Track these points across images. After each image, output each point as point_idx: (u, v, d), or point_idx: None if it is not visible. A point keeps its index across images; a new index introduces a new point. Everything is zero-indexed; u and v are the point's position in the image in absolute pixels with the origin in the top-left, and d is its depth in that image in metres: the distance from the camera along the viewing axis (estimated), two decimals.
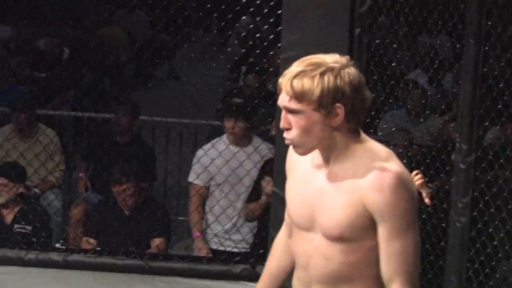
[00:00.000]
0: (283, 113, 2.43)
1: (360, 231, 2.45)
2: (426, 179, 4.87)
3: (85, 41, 9.29)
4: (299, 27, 4.91)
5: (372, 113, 5.16)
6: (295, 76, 2.37)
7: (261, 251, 5.57)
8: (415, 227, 2.45)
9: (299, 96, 2.36)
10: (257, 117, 6.39)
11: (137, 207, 6.20)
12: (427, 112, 7.34)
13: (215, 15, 7.32)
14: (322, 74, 2.35)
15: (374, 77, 5.00)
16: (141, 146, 7.16)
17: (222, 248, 6.05)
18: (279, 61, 5.07)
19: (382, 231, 2.42)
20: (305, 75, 2.36)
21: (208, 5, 7.37)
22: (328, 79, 2.35)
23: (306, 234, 2.56)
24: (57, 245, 6.31)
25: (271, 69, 6.65)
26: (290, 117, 2.41)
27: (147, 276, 5.84)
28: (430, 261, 4.85)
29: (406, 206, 2.41)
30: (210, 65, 8.60)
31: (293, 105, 2.38)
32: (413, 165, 5.28)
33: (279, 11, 5.17)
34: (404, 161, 5.63)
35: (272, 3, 5.47)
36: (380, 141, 6.05)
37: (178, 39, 9.71)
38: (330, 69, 2.36)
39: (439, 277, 4.73)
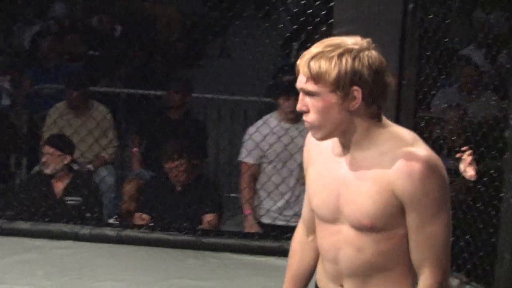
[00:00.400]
0: (301, 95, 2.37)
1: (392, 219, 2.38)
2: (475, 156, 4.85)
3: (137, 18, 9.31)
4: (352, 3, 4.88)
5: (425, 89, 5.13)
6: (313, 57, 2.30)
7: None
8: (446, 212, 2.38)
9: (316, 77, 2.29)
10: None
11: (189, 184, 6.24)
12: (480, 88, 7.24)
13: None
14: (340, 55, 2.28)
15: (427, 53, 4.95)
16: (193, 123, 7.18)
17: (274, 223, 6.07)
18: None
19: (412, 218, 2.36)
20: (322, 56, 2.29)
21: None
22: (346, 60, 2.27)
23: (332, 226, 2.50)
24: (111, 221, 6.38)
25: None
26: (308, 99, 2.35)
27: (199, 252, 5.89)
28: (482, 239, 4.82)
29: (436, 191, 2.34)
30: (261, 42, 8.57)
31: (310, 86, 2.32)
32: (462, 141, 5.26)
33: None
34: (454, 138, 5.64)
35: None
36: (432, 118, 6.04)
37: (230, 16, 9.67)
38: (349, 51, 2.29)
39: (491, 254, 4.70)
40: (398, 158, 2.33)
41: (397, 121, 4.48)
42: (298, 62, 2.35)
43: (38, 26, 8.90)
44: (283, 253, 5.77)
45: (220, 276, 5.51)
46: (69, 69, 8.10)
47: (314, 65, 2.29)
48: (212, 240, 5.98)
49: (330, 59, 2.28)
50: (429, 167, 2.32)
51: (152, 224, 6.17)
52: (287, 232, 5.83)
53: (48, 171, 6.18)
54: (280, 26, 8.46)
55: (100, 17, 9.26)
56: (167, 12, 9.52)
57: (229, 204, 6.93)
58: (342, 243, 2.47)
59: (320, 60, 2.29)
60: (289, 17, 8.61)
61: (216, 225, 6.24)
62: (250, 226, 6.13)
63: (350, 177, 2.42)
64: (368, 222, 2.38)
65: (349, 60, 2.27)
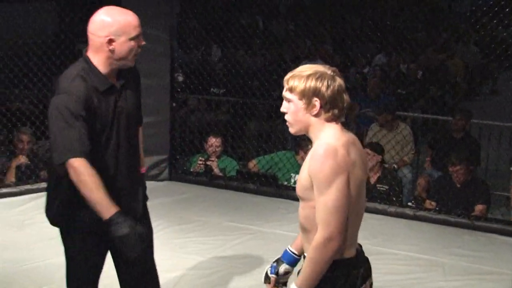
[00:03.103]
0: (284, 101, 2.31)
1: (308, 192, 2.22)
2: None
3: (434, 66, 9.12)
4: None
5: None
6: (292, 75, 2.26)
7: None
8: (336, 186, 2.14)
9: (290, 89, 2.25)
10: None
11: (466, 182, 6.02)
12: None
13: None
14: (308, 76, 2.22)
15: None
16: (470, 140, 6.91)
17: None
18: None
19: (314, 189, 2.19)
20: (298, 75, 2.24)
21: None
22: (311, 80, 2.21)
23: None
24: (409, 204, 6.32)
25: None
26: (286, 104, 2.29)
27: (472, 231, 5.67)
28: None
29: (326, 170, 2.14)
30: None
31: (287, 95, 2.27)
32: None
33: None
34: None
35: None
36: None
37: (500, 65, 9.21)
38: (315, 74, 2.21)
39: None
40: (315, 146, 2.23)
41: None
42: (285, 77, 2.30)
43: (366, 69, 9.06)
44: None
45: (488, 250, 5.24)
46: (385, 100, 8.12)
47: (291, 80, 2.24)
48: (482, 224, 5.72)
49: (301, 77, 2.22)
50: (325, 152, 2.16)
51: (438, 208, 6.03)
52: None
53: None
54: None
55: (409, 65, 9.20)
56: (455, 62, 9.24)
57: (495, 199, 6.57)
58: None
59: (295, 77, 2.24)
60: None
61: (485, 213, 5.95)
62: None
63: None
64: (298, 192, 2.28)
65: (313, 80, 2.20)
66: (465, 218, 5.79)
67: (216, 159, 6.80)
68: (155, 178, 6.66)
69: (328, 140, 2.20)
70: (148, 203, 3.06)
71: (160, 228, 5.15)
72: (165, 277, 3.72)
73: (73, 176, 2.56)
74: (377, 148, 6.36)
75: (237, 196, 6.43)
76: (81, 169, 2.55)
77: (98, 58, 2.68)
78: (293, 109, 2.26)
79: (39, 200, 6.05)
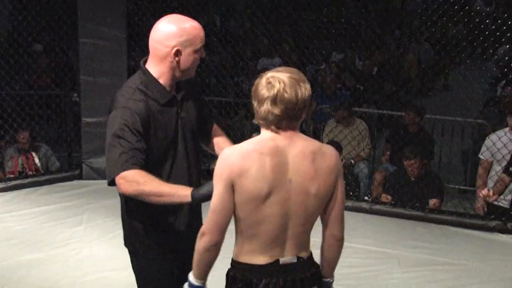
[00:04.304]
0: None
1: None
2: None
3: (390, 63, 9.25)
4: None
5: None
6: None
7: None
8: (216, 191, 2.13)
9: None
10: None
11: (420, 176, 6.14)
12: None
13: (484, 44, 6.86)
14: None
15: None
16: (424, 135, 7.04)
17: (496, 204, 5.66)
18: None
19: None
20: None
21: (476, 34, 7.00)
22: (259, 77, 2.18)
23: None
24: (365, 198, 6.43)
25: None
26: None
27: (426, 224, 5.80)
28: None
29: (215, 171, 2.14)
30: (474, 80, 8.21)
31: None
32: None
33: None
34: None
35: None
36: None
37: (451, 61, 9.42)
38: (260, 79, 2.17)
39: None
40: None
41: None
42: None
43: (323, 66, 9.11)
44: (487, 229, 5.56)
45: (441, 241, 5.41)
46: (341, 95, 8.21)
47: None
48: (435, 216, 5.86)
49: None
50: (221, 155, 2.15)
51: (393, 202, 6.15)
52: (506, 210, 5.55)
53: None
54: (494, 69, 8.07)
55: (364, 62, 9.30)
56: (408, 58, 9.38)
57: (448, 192, 6.74)
58: None
59: None
60: (500, 63, 8.13)
61: (439, 206, 6.10)
62: (481, 204, 5.79)
63: None
64: None
65: (259, 78, 2.18)
66: (420, 211, 5.92)
67: None
68: None
69: (241, 144, 2.17)
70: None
71: None
72: None
73: (127, 188, 2.34)
74: (337, 146, 6.44)
75: None
76: (134, 177, 2.32)
77: (159, 69, 2.49)
78: None
79: None
